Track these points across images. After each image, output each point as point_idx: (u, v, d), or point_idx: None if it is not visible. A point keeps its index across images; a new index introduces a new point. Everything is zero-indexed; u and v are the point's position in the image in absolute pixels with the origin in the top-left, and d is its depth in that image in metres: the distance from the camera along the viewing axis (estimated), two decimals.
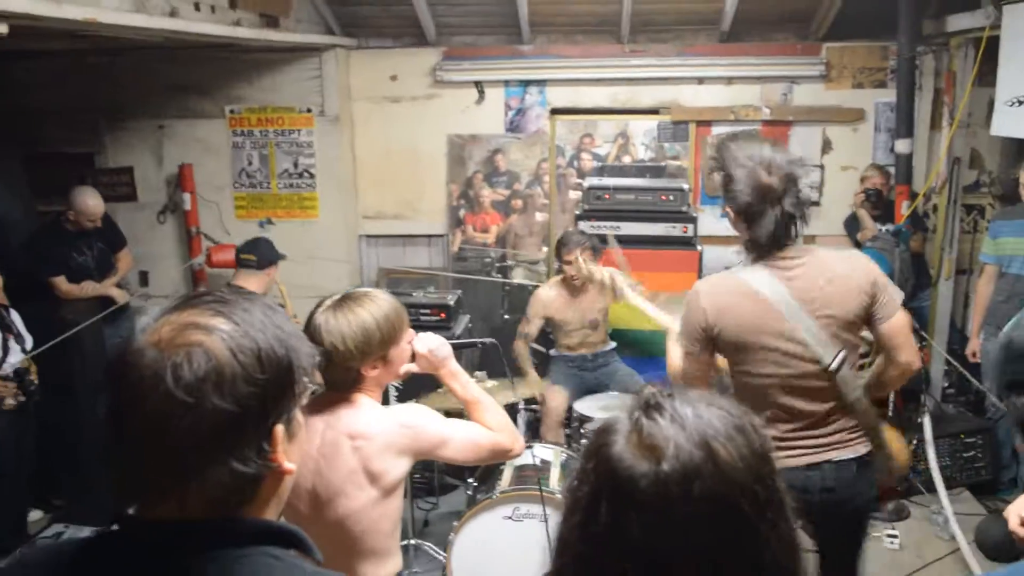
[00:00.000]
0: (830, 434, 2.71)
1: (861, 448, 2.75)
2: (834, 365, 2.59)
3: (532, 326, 4.97)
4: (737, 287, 2.63)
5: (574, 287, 4.84)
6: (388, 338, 2.24)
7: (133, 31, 3.78)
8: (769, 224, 2.53)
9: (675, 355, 2.81)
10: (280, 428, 1.15)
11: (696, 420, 1.00)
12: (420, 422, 2.28)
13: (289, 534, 1.17)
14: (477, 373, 4.43)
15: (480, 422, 2.40)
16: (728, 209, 2.65)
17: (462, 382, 2.45)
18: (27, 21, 3.10)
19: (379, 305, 2.25)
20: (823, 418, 2.69)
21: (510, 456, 2.47)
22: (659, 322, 3.32)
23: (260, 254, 4.77)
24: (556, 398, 4.71)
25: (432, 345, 2.39)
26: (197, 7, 4.32)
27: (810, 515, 2.50)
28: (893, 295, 2.67)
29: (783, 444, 2.65)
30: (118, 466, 1.12)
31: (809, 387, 2.65)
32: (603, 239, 4.77)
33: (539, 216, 6.48)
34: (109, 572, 1.12)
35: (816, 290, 2.58)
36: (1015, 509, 2.20)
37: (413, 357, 2.37)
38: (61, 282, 5.22)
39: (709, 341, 2.65)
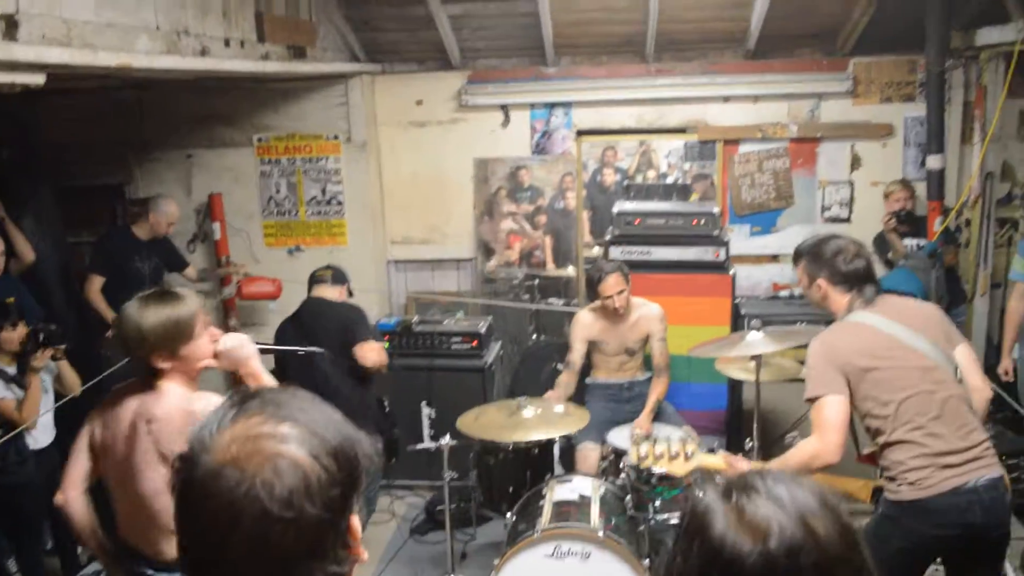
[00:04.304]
0: (971, 451, 2.86)
1: (998, 468, 2.88)
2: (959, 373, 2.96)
3: (576, 353, 4.88)
4: (852, 326, 3.01)
5: (614, 313, 4.79)
6: (174, 336, 2.44)
7: (165, 73, 3.79)
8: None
9: (805, 447, 2.96)
10: (355, 518, 1.14)
11: (792, 498, 1.08)
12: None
13: None
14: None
15: None
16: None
17: (260, 383, 2.53)
18: (63, 70, 3.12)
19: (173, 307, 2.46)
20: (964, 435, 2.87)
21: None
22: None
23: (334, 273, 4.92)
24: (588, 459, 4.58)
25: (231, 344, 2.56)
26: (227, 43, 4.33)
27: (950, 547, 2.86)
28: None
29: (923, 469, 2.83)
30: None
31: (944, 401, 2.87)
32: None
33: (503, 225, 6.49)
34: None
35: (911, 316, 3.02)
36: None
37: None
38: (95, 283, 5.48)
39: (845, 379, 2.89)
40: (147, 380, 2.50)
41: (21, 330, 4.17)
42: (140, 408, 2.46)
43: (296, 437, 1.08)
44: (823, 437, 2.86)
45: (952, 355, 3.01)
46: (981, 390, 3.05)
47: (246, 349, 2.57)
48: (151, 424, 2.42)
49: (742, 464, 3.04)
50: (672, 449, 3.04)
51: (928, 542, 2.89)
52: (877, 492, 3.05)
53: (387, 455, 4.80)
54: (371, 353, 4.48)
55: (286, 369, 4.59)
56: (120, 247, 5.62)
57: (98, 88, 5.72)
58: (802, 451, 2.94)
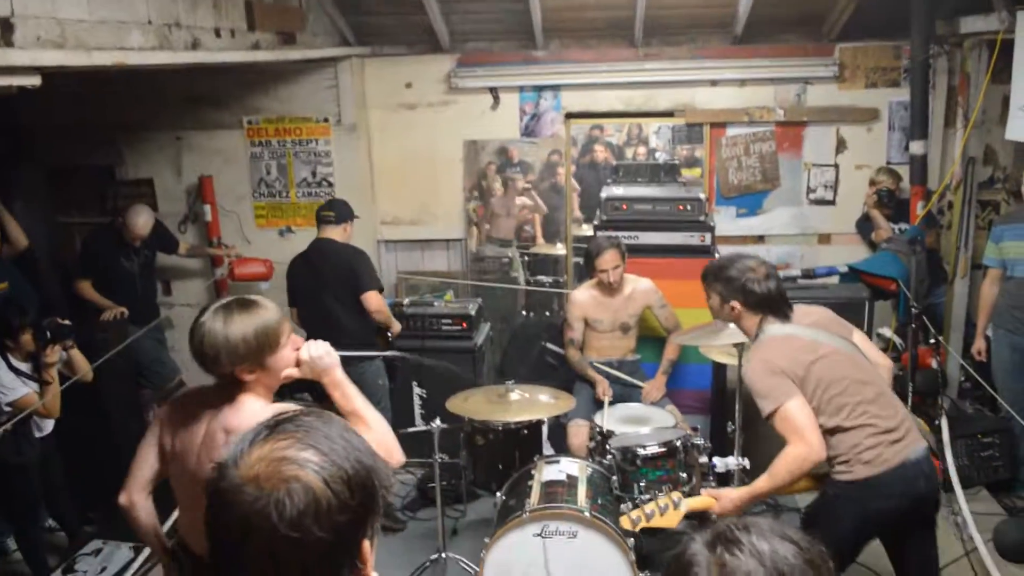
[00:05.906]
0: (904, 426, 3.14)
1: (924, 441, 3.17)
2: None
3: (576, 331, 5.09)
4: (779, 339, 3.20)
5: (609, 288, 4.93)
6: (262, 347, 2.34)
7: (158, 67, 3.83)
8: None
9: (789, 454, 3.04)
10: (367, 543, 1.22)
11: (773, 555, 1.15)
12: None
13: None
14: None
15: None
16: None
17: (344, 393, 2.51)
18: (59, 71, 3.16)
19: (258, 315, 2.35)
20: (896, 413, 3.15)
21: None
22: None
23: (338, 211, 5.12)
24: (579, 435, 4.73)
25: (315, 353, 2.48)
26: (217, 33, 4.36)
27: (896, 519, 3.13)
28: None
29: (876, 448, 3.05)
30: None
31: (874, 385, 3.14)
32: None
33: (518, 200, 6.56)
34: None
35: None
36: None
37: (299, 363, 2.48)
38: (83, 285, 5.54)
39: (792, 383, 3.06)
40: (225, 390, 2.40)
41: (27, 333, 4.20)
42: (219, 419, 2.36)
43: (315, 463, 1.17)
44: (802, 438, 2.98)
45: (852, 341, 3.28)
46: (885, 365, 3.39)
47: (330, 358, 2.49)
48: (230, 435, 2.28)
49: (728, 493, 3.23)
50: (660, 504, 3.16)
51: (878, 516, 3.09)
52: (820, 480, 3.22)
53: (390, 374, 5.19)
54: (375, 301, 4.91)
55: (296, 299, 5.10)
56: (106, 249, 5.64)
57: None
58: (788, 459, 3.02)
